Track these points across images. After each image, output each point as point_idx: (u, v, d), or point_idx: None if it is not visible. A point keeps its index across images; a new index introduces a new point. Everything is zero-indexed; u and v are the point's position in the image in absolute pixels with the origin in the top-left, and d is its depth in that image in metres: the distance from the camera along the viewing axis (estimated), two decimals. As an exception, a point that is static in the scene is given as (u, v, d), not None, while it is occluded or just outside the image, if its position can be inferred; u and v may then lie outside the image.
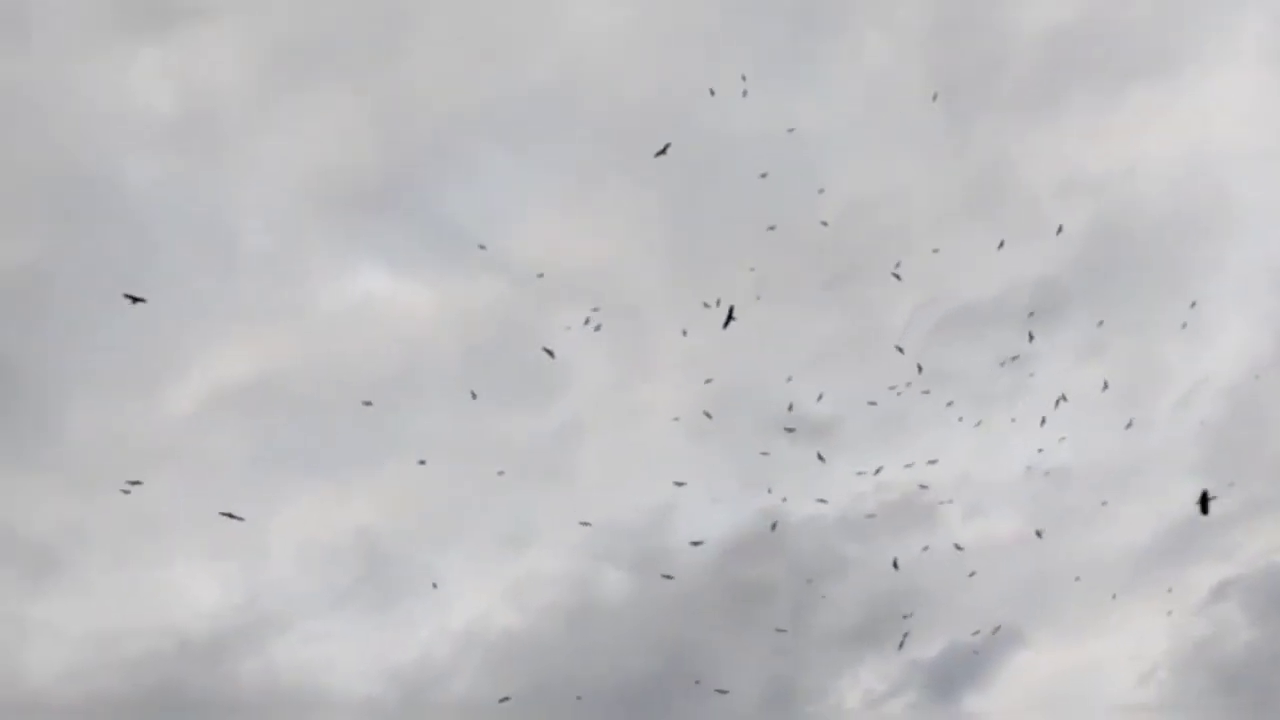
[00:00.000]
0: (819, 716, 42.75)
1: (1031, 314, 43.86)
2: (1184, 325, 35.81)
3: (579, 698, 41.21)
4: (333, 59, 55.72)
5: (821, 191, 32.44)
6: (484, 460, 46.34)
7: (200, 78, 51.29)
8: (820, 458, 33.88)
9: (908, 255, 49.89)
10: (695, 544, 38.80)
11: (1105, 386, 36.76)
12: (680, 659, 40.65)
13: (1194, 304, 41.39)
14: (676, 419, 43.18)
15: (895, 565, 34.42)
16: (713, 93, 30.53)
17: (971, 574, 31.76)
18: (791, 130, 35.14)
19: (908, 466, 40.16)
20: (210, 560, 46.43)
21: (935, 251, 37.16)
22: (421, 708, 44.35)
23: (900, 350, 35.02)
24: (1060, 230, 37.37)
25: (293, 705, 42.16)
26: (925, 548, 34.27)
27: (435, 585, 41.52)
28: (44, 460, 46.11)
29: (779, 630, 35.64)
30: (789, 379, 36.17)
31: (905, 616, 34.51)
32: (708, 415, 36.84)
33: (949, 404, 35.30)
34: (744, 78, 31.61)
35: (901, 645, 33.81)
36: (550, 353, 23.53)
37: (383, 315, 55.52)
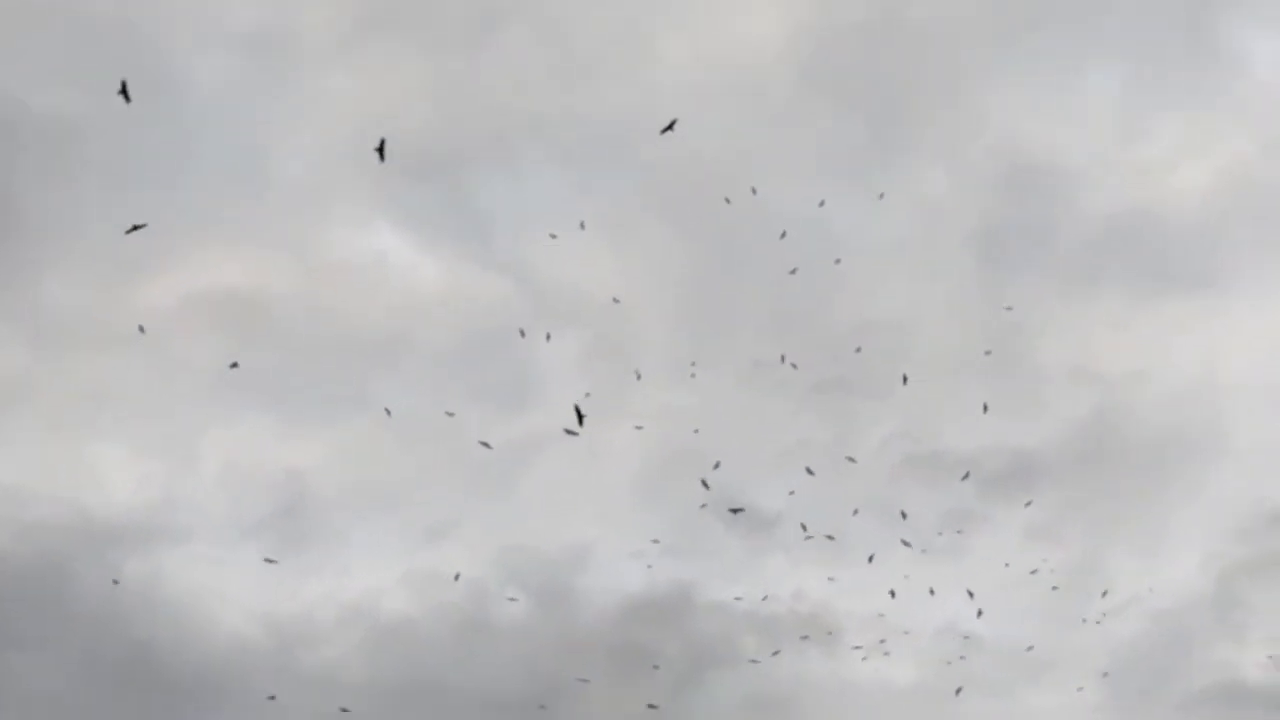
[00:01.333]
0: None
1: (999, 484, 43.78)
2: (1138, 550, 35.74)
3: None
4: (421, 21, 56.37)
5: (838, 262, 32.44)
6: (436, 446, 46.34)
7: (288, -2, 51.95)
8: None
9: (903, 387, 49.77)
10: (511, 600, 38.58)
11: (1034, 572, 36.63)
12: (547, 701, 40.39)
13: (1156, 524, 41.33)
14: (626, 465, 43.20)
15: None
16: (754, 191, 30.66)
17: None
18: (821, 203, 35.14)
19: (836, 582, 40.08)
20: (138, 454, 46.41)
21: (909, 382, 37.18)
22: (286, 663, 44.05)
23: (852, 460, 34.99)
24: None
25: (163, 617, 41.95)
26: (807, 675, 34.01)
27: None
28: (12, 308, 46.38)
29: (650, 706, 35.33)
30: (714, 466, 36.08)
31: None
32: (704, 485, 36.76)
33: (887, 534, 35.19)
34: (821, 203, 31.68)
35: None
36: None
37: (388, 278, 55.72)
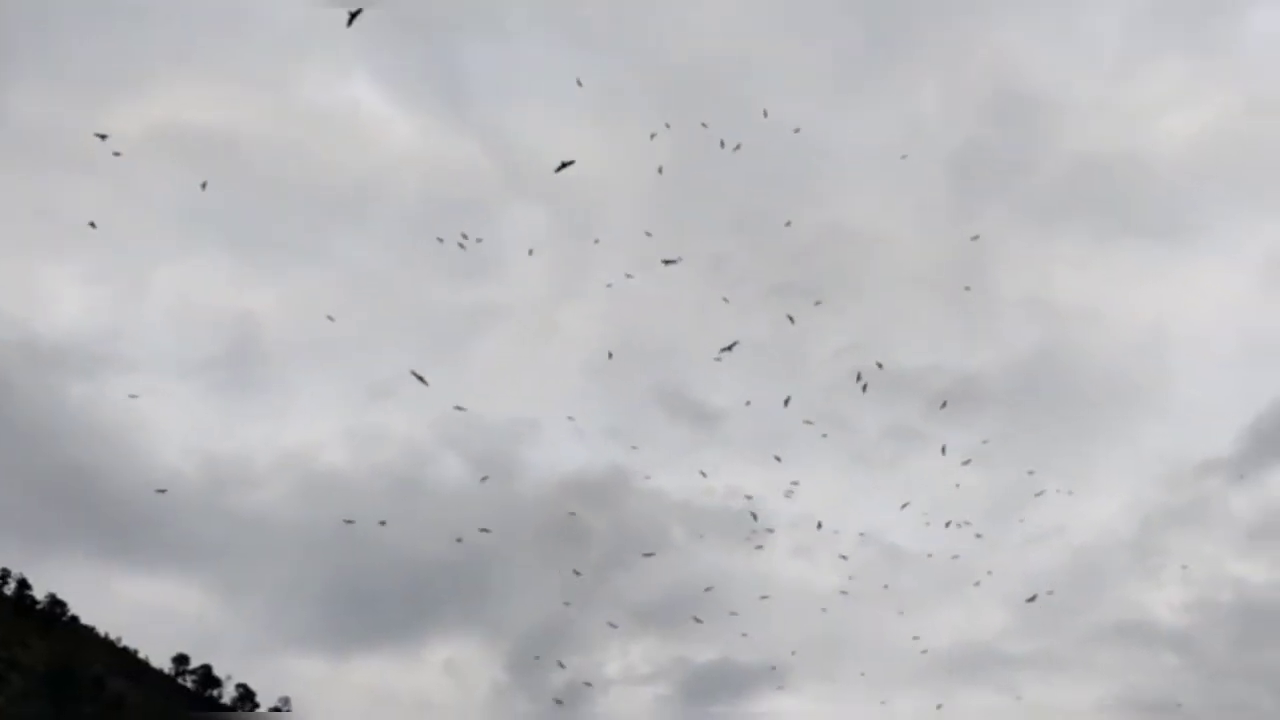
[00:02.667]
0: (572, 668, 43.27)
1: (944, 404, 44.08)
2: (1067, 484, 36.10)
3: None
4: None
5: (788, 224, 32.11)
6: (392, 305, 46.06)
7: None
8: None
9: (861, 298, 49.94)
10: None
11: (957, 487, 37.12)
12: (477, 562, 40.82)
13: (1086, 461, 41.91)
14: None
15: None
16: (766, 114, 30.02)
17: (764, 597, 31.96)
18: (798, 130, 34.72)
19: (780, 487, 40.31)
20: (91, 279, 45.97)
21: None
22: (218, 501, 44.34)
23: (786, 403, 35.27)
24: None
25: (101, 444, 42.00)
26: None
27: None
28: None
29: (575, 572, 35.73)
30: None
31: (697, 621, 34.66)
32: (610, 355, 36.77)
33: (828, 440, 35.28)
34: (797, 130, 30.83)
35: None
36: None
37: (360, 129, 54.62)
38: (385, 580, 43.32)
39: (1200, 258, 68.10)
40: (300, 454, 46.66)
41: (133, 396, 34.53)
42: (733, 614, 33.14)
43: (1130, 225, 63.06)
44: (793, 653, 33.83)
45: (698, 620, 34.29)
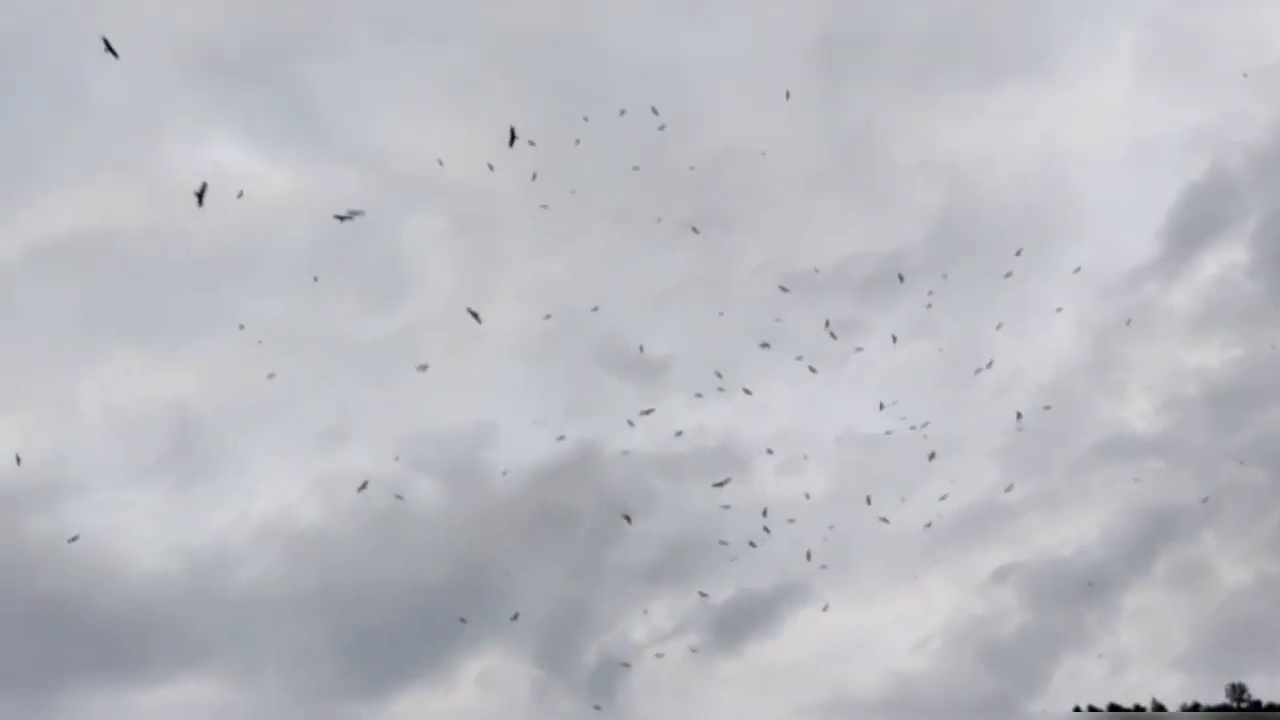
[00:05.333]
0: (604, 646, 43.63)
1: (868, 285, 44.59)
2: (1001, 324, 36.81)
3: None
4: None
5: (662, 129, 32.22)
6: (314, 351, 45.65)
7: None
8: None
9: (766, 210, 50.19)
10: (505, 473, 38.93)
11: (920, 365, 37.76)
12: (478, 575, 40.94)
13: (1021, 300, 42.65)
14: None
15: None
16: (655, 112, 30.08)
17: (763, 512, 32.31)
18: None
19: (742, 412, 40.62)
20: (13, 413, 44.97)
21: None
22: (209, 591, 43.96)
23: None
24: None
25: (78, 569, 41.35)
26: (726, 507, 34.71)
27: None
28: None
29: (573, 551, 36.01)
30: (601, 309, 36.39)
31: (723, 543, 34.62)
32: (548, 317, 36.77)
33: (775, 356, 35.67)
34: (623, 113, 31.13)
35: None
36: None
37: (231, 189, 53.46)
38: (397, 616, 43.30)
39: (1070, 75, 69.23)
40: (276, 521, 46.37)
41: (72, 540, 34.08)
42: (751, 545, 33.62)
43: (996, 64, 64.00)
44: (815, 561, 34.46)
45: (723, 543, 34.54)
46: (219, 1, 49.96)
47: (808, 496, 35.67)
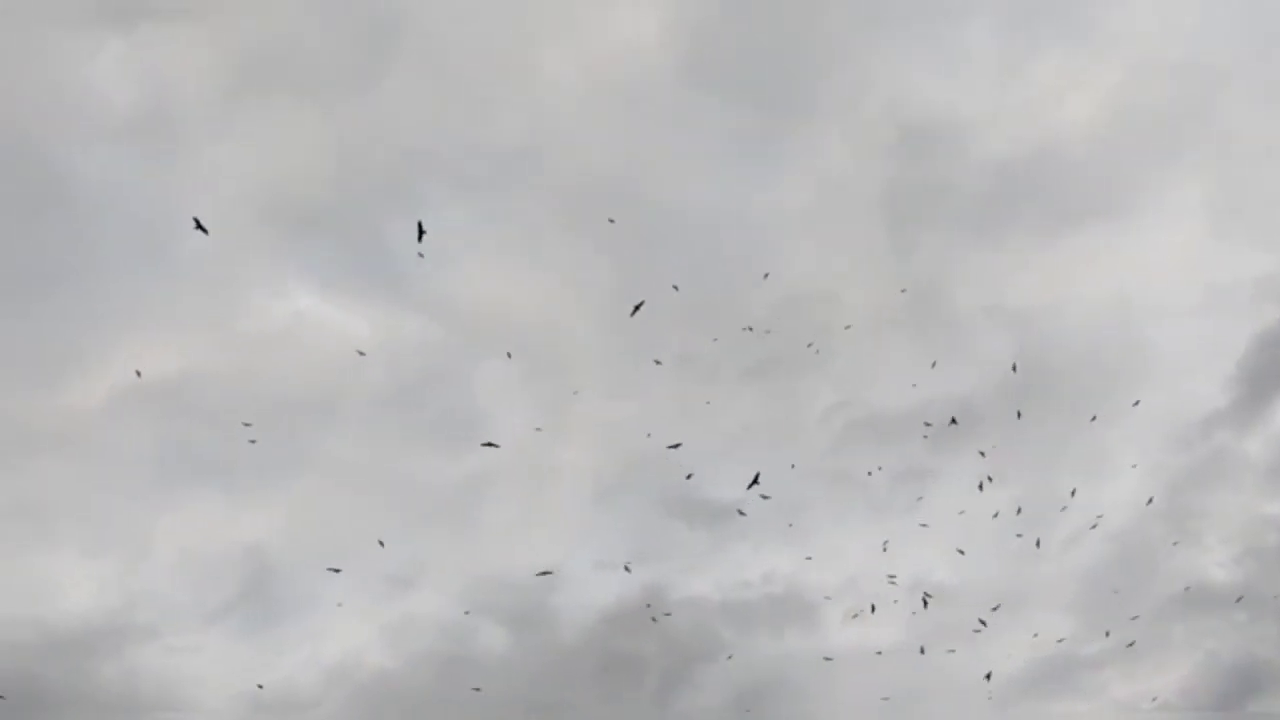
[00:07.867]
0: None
1: (928, 428, 44.65)
2: (1072, 472, 36.73)
3: None
4: (301, 75, 56.22)
5: (766, 276, 33.07)
6: (387, 495, 46.34)
7: (165, 75, 51.52)
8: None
9: (833, 356, 50.86)
10: (543, 573, 38.82)
11: (996, 515, 37.55)
12: (542, 721, 40.63)
13: (1095, 449, 42.44)
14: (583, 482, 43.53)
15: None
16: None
17: (827, 659, 32.01)
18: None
19: (808, 559, 40.65)
20: (90, 557, 45.76)
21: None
22: (277, 734, 43.95)
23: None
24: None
25: (148, 714, 41.51)
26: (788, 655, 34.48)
27: (340, 604, 41.07)
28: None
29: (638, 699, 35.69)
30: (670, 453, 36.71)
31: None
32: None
33: (848, 506, 35.80)
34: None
35: None
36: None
37: (310, 337, 55.45)
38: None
39: (1138, 223, 69.72)
40: (344, 665, 46.34)
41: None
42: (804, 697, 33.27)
43: (1061, 212, 64.68)
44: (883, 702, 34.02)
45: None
46: (300, 156, 52.30)
47: (879, 653, 35.34)
